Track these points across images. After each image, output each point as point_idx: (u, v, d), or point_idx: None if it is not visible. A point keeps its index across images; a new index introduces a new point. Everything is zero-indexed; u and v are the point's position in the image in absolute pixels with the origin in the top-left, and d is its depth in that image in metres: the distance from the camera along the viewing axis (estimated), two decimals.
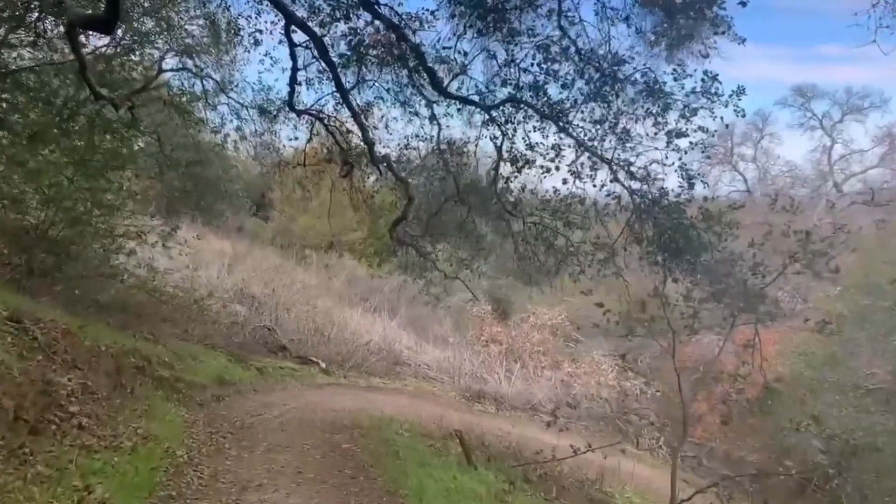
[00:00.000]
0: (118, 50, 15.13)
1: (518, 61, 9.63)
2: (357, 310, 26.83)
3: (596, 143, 9.47)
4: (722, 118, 8.39)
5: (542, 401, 20.43)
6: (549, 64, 9.40)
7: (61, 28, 12.31)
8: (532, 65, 9.60)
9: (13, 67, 14.30)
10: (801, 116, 45.98)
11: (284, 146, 15.85)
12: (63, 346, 8.96)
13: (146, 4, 14.16)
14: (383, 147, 13.38)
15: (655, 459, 19.08)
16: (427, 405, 17.50)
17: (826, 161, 45.40)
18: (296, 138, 14.77)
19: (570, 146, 9.67)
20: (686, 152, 8.71)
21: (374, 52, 10.48)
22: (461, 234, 14.09)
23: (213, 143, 17.37)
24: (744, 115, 8.29)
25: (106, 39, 14.86)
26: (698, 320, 10.26)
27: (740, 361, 10.69)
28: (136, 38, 14.64)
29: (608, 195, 9.88)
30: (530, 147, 10.29)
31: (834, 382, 16.24)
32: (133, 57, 15.19)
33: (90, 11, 11.91)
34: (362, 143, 13.50)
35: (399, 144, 13.29)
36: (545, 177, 10.40)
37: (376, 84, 12.35)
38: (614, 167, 9.22)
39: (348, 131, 13.64)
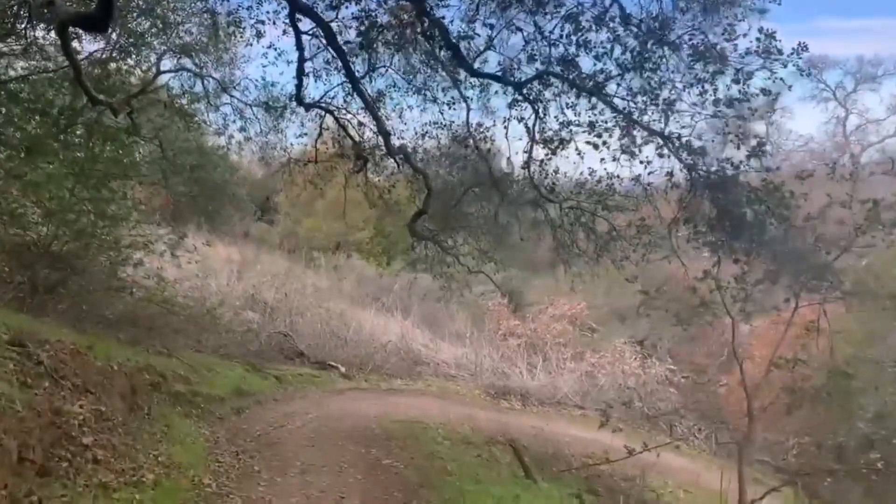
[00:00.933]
0: (113, 53, 14.26)
1: (546, 33, 8.74)
2: (370, 310, 25.94)
3: (637, 118, 8.58)
4: (783, 79, 7.53)
5: (569, 394, 19.57)
6: (580, 34, 8.50)
7: (53, 34, 11.49)
8: (561, 37, 8.71)
9: (5, 78, 13.47)
10: (812, 88, 44.49)
11: (292, 145, 14.98)
12: (72, 368, 8.06)
13: (141, 3, 13.25)
14: (398, 138, 12.51)
15: (692, 449, 18.16)
16: (454, 406, 16.65)
17: (841, 133, 44.13)
18: (304, 134, 13.89)
19: (609, 122, 8.76)
20: (746, 119, 7.81)
21: (390, 34, 9.57)
22: (484, 225, 13.23)
23: (216, 146, 16.54)
24: (808, 75, 7.44)
25: (100, 43, 14.01)
26: (752, 303, 9.38)
27: (799, 345, 9.74)
28: (131, 39, 13.74)
29: (650, 173, 9.00)
30: (565, 125, 9.40)
31: (871, 360, 15.34)
32: (129, 60, 14.32)
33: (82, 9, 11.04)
34: (375, 136, 12.63)
35: (415, 134, 12.41)
36: (582, 158, 9.52)
37: (389, 71, 11.49)
38: (665, 141, 8.32)
39: (360, 124, 12.77)
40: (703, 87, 8.04)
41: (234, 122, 14.91)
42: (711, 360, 25.29)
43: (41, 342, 8.45)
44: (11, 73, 13.60)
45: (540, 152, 9.94)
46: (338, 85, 11.75)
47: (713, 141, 8.30)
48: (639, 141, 8.57)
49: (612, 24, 8.13)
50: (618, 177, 9.50)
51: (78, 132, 13.96)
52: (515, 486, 7.57)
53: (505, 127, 10.00)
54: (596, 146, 8.52)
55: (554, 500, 7.10)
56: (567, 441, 14.62)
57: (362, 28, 9.73)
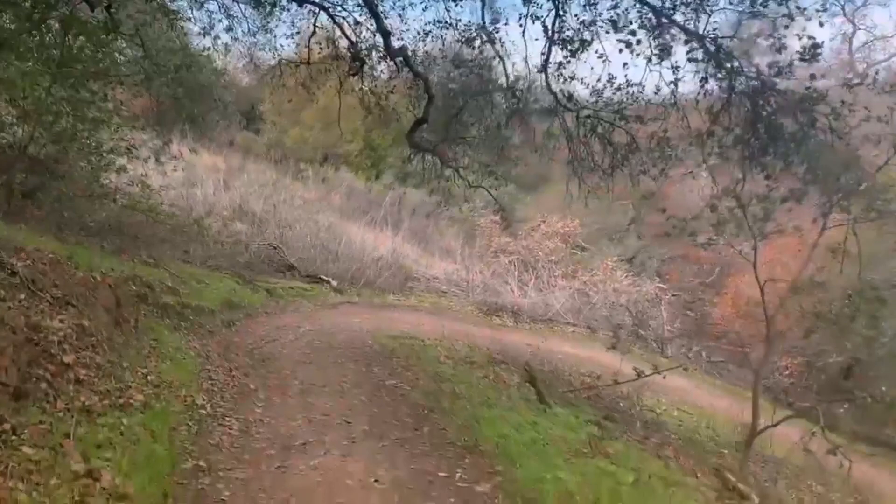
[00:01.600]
0: None
1: None
2: (359, 224, 25.21)
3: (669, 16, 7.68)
4: None
5: (560, 311, 19.25)
6: None
7: None
8: None
9: None
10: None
11: (282, 46, 13.84)
12: (51, 279, 7.39)
13: None
14: (397, 39, 11.48)
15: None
16: (447, 322, 16.23)
17: (847, 50, 42.62)
18: (296, 33, 12.77)
19: (636, 21, 7.84)
20: (792, 18, 6.91)
21: None
22: (487, 137, 12.41)
23: (201, 47, 15.28)
24: None
25: None
26: (774, 222, 8.78)
27: (816, 267, 9.20)
28: None
29: (678, 80, 8.16)
30: (587, 25, 8.47)
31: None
32: None
33: None
34: (373, 35, 11.60)
35: (417, 35, 11.38)
36: (605, 62, 8.60)
37: None
38: (701, 42, 7.45)
39: (357, 23, 11.69)
40: None
41: (220, 21, 13.65)
42: (700, 280, 25.09)
43: (16, 250, 7.74)
44: None
45: (558, 55, 9.02)
46: None
47: (752, 42, 7.44)
48: (665, 44, 7.67)
49: None
50: (640, 84, 8.67)
51: (52, 28, 12.77)
52: (529, 411, 7.14)
53: (520, 24, 9.01)
54: (628, 44, 7.61)
55: (572, 427, 6.67)
56: (561, 358, 14.33)
57: None
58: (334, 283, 17.37)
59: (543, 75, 9.26)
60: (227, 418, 6.30)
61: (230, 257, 16.53)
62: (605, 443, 6.06)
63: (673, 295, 22.21)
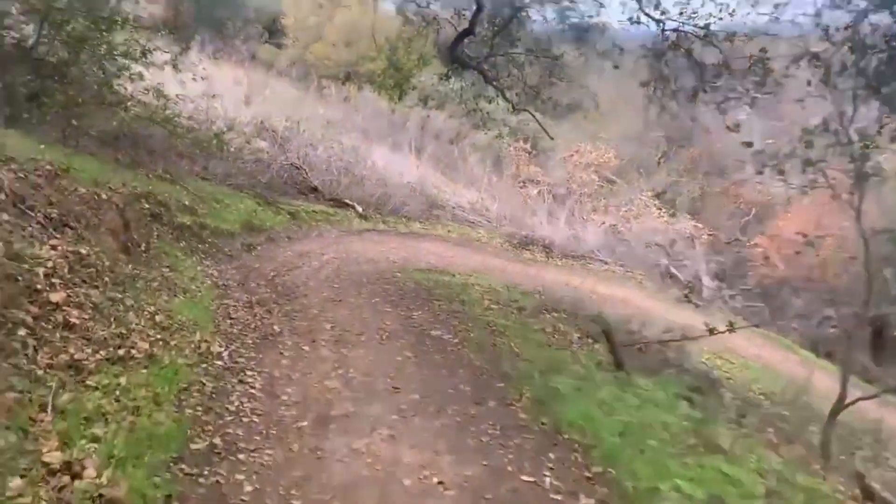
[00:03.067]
0: None
1: None
2: (384, 147, 23.70)
3: None
4: None
5: (595, 248, 18.00)
6: None
7: None
8: None
9: None
10: None
11: None
12: (45, 196, 6.19)
13: None
14: None
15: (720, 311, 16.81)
16: (477, 255, 15.12)
17: None
18: None
19: None
20: None
21: None
22: (537, 54, 10.90)
23: None
24: None
25: None
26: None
27: None
28: None
29: None
30: None
31: None
32: None
33: None
34: None
35: None
36: None
37: None
38: None
39: None
40: None
41: None
42: (733, 220, 23.57)
43: (6, 160, 6.51)
44: None
45: None
46: None
47: None
48: None
49: None
50: None
51: None
52: (606, 380, 5.93)
53: None
54: None
55: (662, 404, 5.52)
56: (605, 304, 13.16)
57: None
58: (359, 209, 16.13)
59: None
60: (249, 372, 5.19)
61: (251, 176, 15.26)
62: (709, 428, 4.95)
63: (708, 234, 20.84)
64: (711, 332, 7.39)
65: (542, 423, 4.84)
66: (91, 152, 11.69)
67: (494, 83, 10.93)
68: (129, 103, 11.79)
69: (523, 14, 10.50)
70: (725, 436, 4.93)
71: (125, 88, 11.98)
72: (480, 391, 5.37)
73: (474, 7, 9.80)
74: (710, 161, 25.44)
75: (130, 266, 6.51)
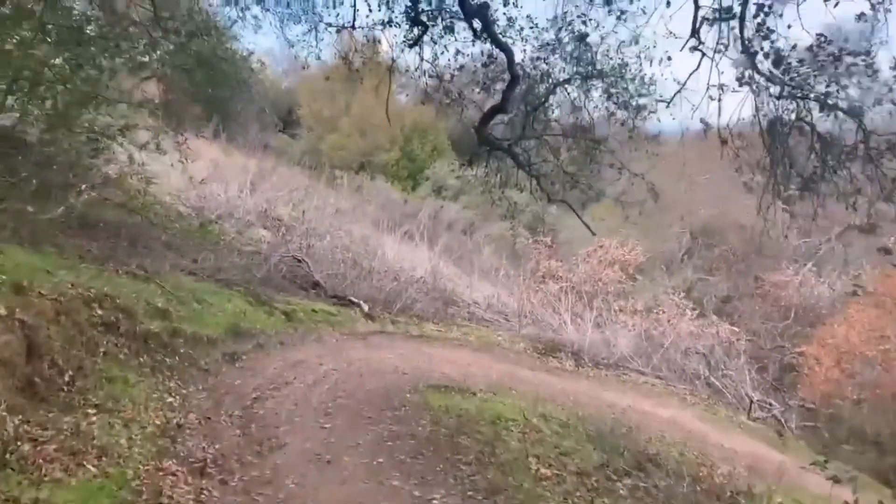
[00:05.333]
0: None
1: None
2: (394, 237, 21.75)
3: None
4: None
5: (627, 354, 15.61)
6: None
7: None
8: None
9: None
10: None
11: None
12: None
13: None
14: None
15: (766, 427, 14.16)
16: (499, 364, 12.79)
17: None
18: None
19: None
20: None
21: None
22: (576, 137, 9.01)
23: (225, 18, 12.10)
24: None
25: None
26: None
27: None
28: None
29: None
30: None
31: None
32: None
33: None
34: None
35: None
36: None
37: None
38: None
39: None
40: None
41: None
42: (770, 323, 20.97)
43: None
44: None
45: None
46: None
47: None
48: None
49: None
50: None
51: None
52: None
53: None
54: None
55: None
56: (651, 425, 10.70)
57: None
58: (365, 307, 13.95)
59: (733, 24, 5.68)
60: None
61: (245, 270, 13.21)
62: None
63: (747, 339, 18.40)
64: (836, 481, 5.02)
65: None
66: (56, 243, 9.75)
67: (528, 169, 8.95)
68: (96, 186, 9.90)
69: (564, 90, 8.65)
70: None
71: (98, 170, 10.16)
72: None
73: (507, 79, 7.90)
74: (744, 258, 23.35)
75: (64, 393, 4.30)
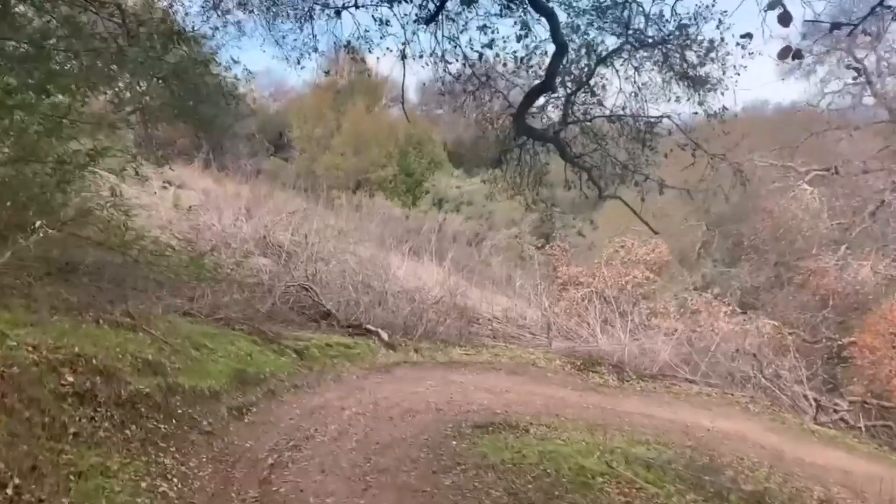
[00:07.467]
0: None
1: None
2: (401, 255, 20.04)
3: None
4: None
5: (672, 362, 13.90)
6: None
7: None
8: None
9: None
10: None
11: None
12: None
13: None
14: None
15: (840, 433, 12.45)
16: (539, 387, 11.13)
17: None
18: None
19: None
20: None
21: None
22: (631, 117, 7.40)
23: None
24: None
25: None
26: None
27: None
28: None
29: None
30: None
31: None
32: None
33: None
34: None
35: None
36: None
37: None
38: None
39: None
40: None
41: None
42: (807, 313, 19.20)
43: None
44: None
45: None
46: None
47: None
48: None
49: None
50: None
51: None
52: None
53: None
54: None
55: None
56: (721, 444, 9.00)
57: None
58: (385, 336, 12.23)
59: None
60: None
61: (247, 305, 11.51)
62: None
63: (789, 333, 16.69)
64: None
65: None
66: (26, 293, 8.04)
67: (577, 161, 7.27)
68: (68, 223, 8.14)
69: (611, 63, 7.00)
70: None
71: (65, 204, 8.41)
72: None
73: (551, 51, 6.25)
74: (769, 245, 21.65)
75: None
